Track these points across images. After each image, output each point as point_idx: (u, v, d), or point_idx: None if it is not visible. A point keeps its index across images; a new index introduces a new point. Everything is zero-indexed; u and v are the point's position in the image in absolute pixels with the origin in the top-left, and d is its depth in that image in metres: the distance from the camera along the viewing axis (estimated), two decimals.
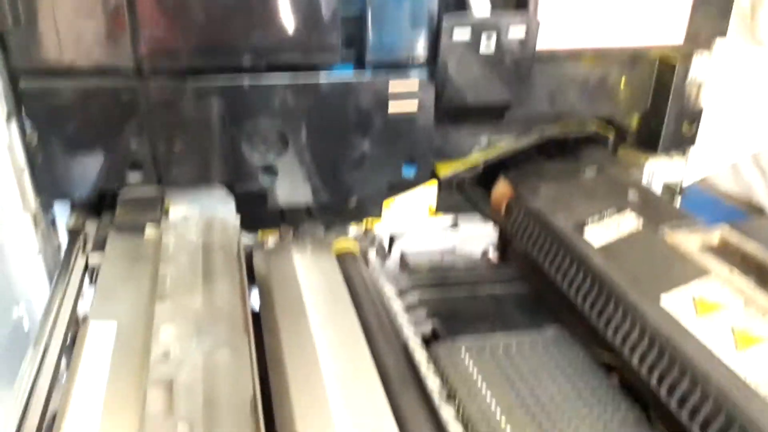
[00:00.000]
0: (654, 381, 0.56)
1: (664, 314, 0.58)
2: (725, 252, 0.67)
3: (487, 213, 0.90)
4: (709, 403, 0.50)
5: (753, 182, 1.26)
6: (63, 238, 0.75)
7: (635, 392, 0.59)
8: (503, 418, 0.55)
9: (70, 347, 0.58)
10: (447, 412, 0.55)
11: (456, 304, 0.70)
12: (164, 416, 0.42)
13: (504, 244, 0.85)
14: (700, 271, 0.61)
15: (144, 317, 0.54)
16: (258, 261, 0.73)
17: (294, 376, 0.53)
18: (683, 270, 0.62)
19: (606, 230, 0.71)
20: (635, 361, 0.59)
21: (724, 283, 0.59)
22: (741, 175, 1.27)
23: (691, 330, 0.55)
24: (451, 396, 0.57)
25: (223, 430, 0.43)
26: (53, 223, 0.75)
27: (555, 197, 0.79)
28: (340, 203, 0.79)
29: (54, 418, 0.50)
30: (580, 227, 0.73)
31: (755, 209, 1.26)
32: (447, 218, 0.85)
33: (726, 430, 0.48)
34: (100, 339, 0.50)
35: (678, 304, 0.58)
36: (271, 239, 0.76)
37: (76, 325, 0.63)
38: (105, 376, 0.47)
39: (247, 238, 0.79)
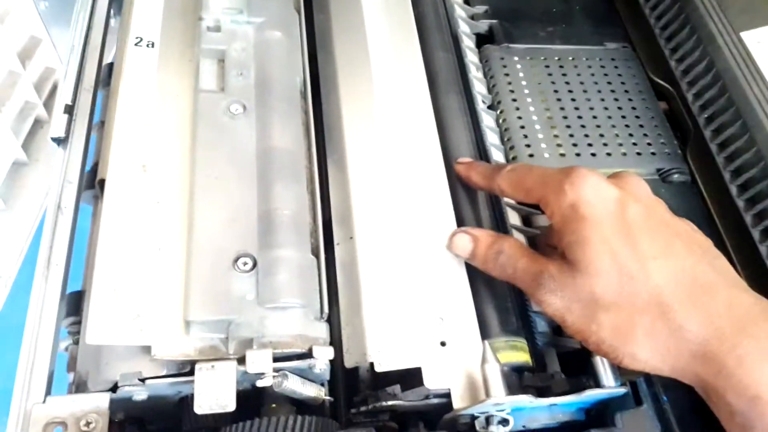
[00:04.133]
0: (703, 119, 0.55)
1: (739, 52, 0.54)
2: None
3: None
4: (752, 151, 0.50)
5: None
6: None
7: (678, 125, 0.59)
8: (541, 130, 0.56)
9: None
10: (487, 120, 0.55)
11: (520, 1, 0.65)
12: (217, 94, 0.43)
13: None
14: None
15: None
16: None
17: (342, 63, 0.53)
18: None
19: None
20: (691, 95, 0.57)
21: None
22: None
23: (765, 73, 0.52)
24: (495, 103, 0.57)
25: (273, 110, 0.44)
26: None
27: None
28: None
29: (110, 68, 0.51)
30: None
31: None
32: None
33: (759, 181, 0.49)
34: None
35: (759, 43, 0.54)
36: None
37: None
38: (156, 41, 0.46)
39: None
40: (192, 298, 0.35)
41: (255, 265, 0.37)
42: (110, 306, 0.35)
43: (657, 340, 0.34)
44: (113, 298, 0.35)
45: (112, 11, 0.56)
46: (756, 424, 0.32)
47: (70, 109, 0.46)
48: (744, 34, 0.54)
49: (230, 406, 0.32)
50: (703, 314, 0.34)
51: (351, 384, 0.41)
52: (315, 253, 0.40)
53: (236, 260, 0.37)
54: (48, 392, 0.35)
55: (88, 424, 0.33)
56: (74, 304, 0.41)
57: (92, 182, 0.45)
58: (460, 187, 0.48)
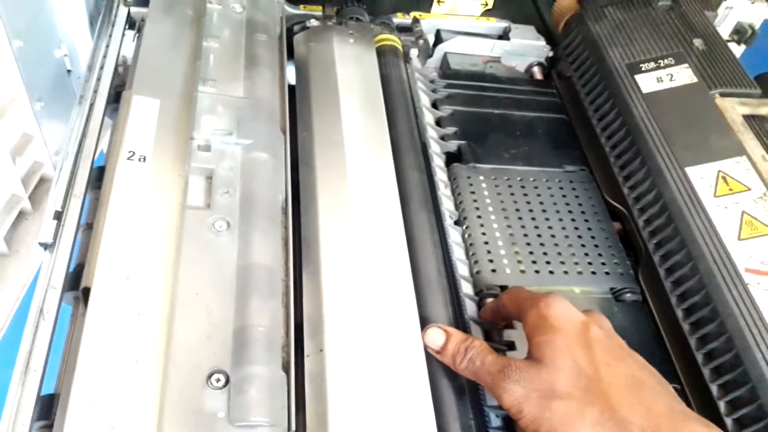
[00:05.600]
0: (652, 245, 0.60)
1: (684, 186, 0.59)
2: None
3: (546, 23, 0.86)
4: (695, 279, 0.54)
5: None
6: None
7: (631, 245, 0.64)
8: (503, 247, 0.60)
9: (113, 100, 0.60)
10: (454, 235, 0.59)
11: (487, 124, 0.71)
12: (204, 211, 0.46)
13: (552, 62, 0.82)
14: (735, 149, 0.61)
15: (186, 97, 0.55)
16: (299, 40, 0.72)
17: (321, 178, 0.56)
18: (719, 143, 0.62)
19: (658, 79, 0.69)
20: (642, 221, 0.62)
21: (752, 167, 0.59)
22: None
23: (706, 207, 0.57)
24: (461, 219, 0.61)
25: (255, 227, 0.47)
26: None
27: (619, 25, 0.75)
28: None
29: (99, 172, 0.54)
30: (633, 68, 0.70)
31: None
32: (500, 25, 0.80)
33: (702, 307, 0.53)
34: (143, 116, 0.52)
35: (701, 178, 0.59)
36: (314, 22, 0.73)
37: (119, 78, 0.64)
38: (148, 156, 0.50)
39: (289, 9, 0.76)
40: (165, 414, 0.36)
41: (227, 381, 0.39)
42: (86, 418, 0.36)
43: (602, 428, 0.39)
44: (89, 409, 0.37)
45: (106, 114, 0.60)
46: None
47: (59, 216, 0.49)
48: (688, 170, 0.60)
49: None
50: (645, 412, 0.40)
51: None
52: (285, 368, 0.42)
53: (210, 377, 0.39)
54: None
55: None
56: (47, 407, 0.42)
57: (74, 284, 0.47)
58: (427, 304, 0.51)
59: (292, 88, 0.68)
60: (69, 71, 0.73)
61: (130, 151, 0.50)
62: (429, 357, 0.48)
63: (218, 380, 0.39)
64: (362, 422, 0.42)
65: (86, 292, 0.43)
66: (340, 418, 0.42)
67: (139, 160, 0.49)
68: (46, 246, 0.48)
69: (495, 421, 0.48)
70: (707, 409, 0.51)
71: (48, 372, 0.45)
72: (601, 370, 0.41)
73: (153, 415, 0.37)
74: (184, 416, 0.37)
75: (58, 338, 0.47)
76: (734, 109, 0.66)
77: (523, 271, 0.59)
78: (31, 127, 0.66)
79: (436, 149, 0.66)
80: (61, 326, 0.47)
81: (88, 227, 0.51)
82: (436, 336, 0.47)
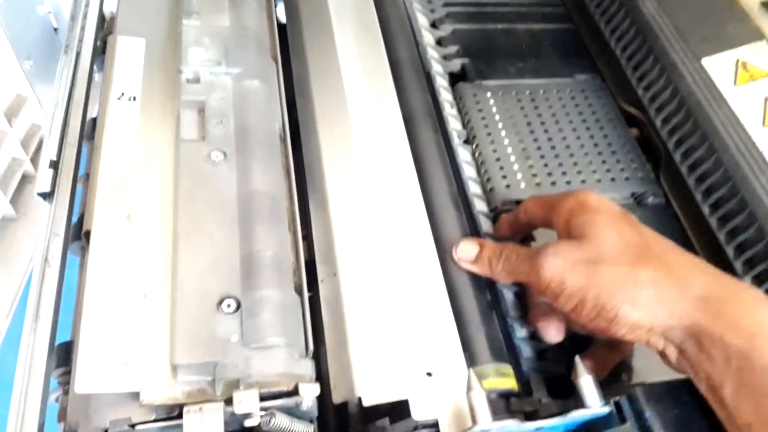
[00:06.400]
0: (672, 143, 0.57)
1: (701, 78, 0.56)
2: None
3: None
4: (720, 172, 0.52)
5: None
6: None
7: (650, 149, 0.61)
8: (516, 162, 0.57)
9: (100, 52, 0.59)
10: (463, 154, 0.57)
11: (490, 40, 0.68)
12: (199, 143, 0.45)
13: None
14: (753, 35, 0.57)
15: (171, 33, 0.53)
16: None
17: (320, 107, 0.54)
18: (735, 30, 0.58)
19: None
20: (659, 120, 0.59)
21: None
22: None
23: (726, 97, 0.54)
24: (470, 138, 0.59)
25: (253, 156, 0.46)
26: None
27: None
28: None
29: (94, 123, 0.53)
30: None
31: None
32: None
33: (728, 200, 0.51)
34: (130, 55, 0.50)
35: (719, 69, 0.56)
36: None
37: (103, 27, 0.62)
38: (137, 95, 0.48)
39: None
40: (177, 342, 0.35)
41: (239, 306, 0.38)
42: (98, 354, 0.36)
43: (659, 286, 0.37)
44: (101, 346, 0.36)
45: (95, 67, 0.58)
46: (755, 362, 0.34)
47: (55, 164, 0.48)
48: (704, 61, 0.57)
49: None
50: (703, 271, 0.38)
51: (341, 420, 0.41)
52: (298, 291, 0.41)
53: (220, 303, 0.37)
54: None
55: None
56: (64, 354, 0.41)
57: (79, 234, 0.46)
58: (440, 223, 0.49)
59: (283, 26, 0.66)
60: (56, 29, 0.71)
61: (119, 92, 0.48)
62: (448, 274, 0.46)
63: (229, 306, 0.37)
64: (383, 341, 0.41)
65: (88, 235, 0.42)
66: (360, 339, 0.41)
67: (129, 99, 0.48)
68: (44, 195, 0.47)
69: (520, 331, 0.47)
70: None
71: (65, 322, 0.44)
72: (649, 241, 0.39)
73: (165, 345, 0.36)
74: (197, 343, 0.36)
75: (71, 290, 0.46)
76: None
77: (538, 184, 0.56)
78: (23, 88, 0.65)
79: (438, 69, 0.63)
80: (72, 278, 0.47)
81: (88, 177, 0.50)
82: (469, 248, 0.46)
